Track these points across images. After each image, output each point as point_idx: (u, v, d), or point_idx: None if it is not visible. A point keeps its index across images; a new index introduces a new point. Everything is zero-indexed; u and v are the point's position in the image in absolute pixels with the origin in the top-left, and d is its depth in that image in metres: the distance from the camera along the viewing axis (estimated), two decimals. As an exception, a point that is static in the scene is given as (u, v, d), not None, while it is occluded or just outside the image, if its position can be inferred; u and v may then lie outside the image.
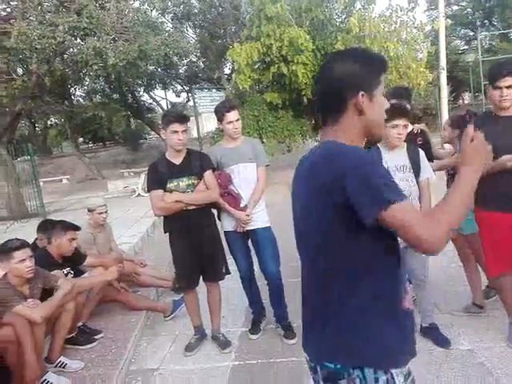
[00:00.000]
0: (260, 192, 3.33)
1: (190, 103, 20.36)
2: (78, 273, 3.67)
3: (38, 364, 2.74)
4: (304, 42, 10.46)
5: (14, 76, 9.49)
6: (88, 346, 3.35)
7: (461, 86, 24.39)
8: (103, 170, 18.03)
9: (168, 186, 3.07)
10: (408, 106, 3.39)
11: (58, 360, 3.06)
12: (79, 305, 3.29)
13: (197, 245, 3.14)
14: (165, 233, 3.24)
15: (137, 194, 11.42)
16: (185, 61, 17.18)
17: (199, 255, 3.16)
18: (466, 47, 27.48)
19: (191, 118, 3.96)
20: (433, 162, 3.33)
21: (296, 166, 1.34)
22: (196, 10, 17.21)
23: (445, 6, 14.92)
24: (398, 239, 1.22)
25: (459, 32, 28.22)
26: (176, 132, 3.04)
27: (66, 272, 3.49)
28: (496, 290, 3.24)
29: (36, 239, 3.84)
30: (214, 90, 14.61)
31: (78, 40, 9.47)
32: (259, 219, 3.32)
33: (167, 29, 13.69)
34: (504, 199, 2.72)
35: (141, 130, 28.38)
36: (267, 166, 3.43)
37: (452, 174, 3.31)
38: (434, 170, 3.33)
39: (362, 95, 1.21)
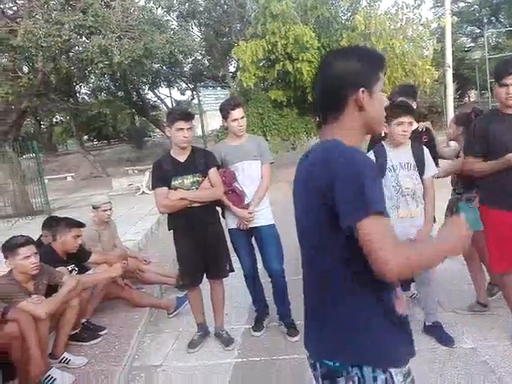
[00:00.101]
0: (264, 189, 3.33)
1: (195, 101, 20.40)
2: (83, 269, 3.68)
3: (43, 360, 2.76)
4: (309, 40, 10.44)
5: (20, 74, 9.53)
6: (92, 342, 3.38)
7: (467, 84, 24.22)
8: (108, 168, 18.09)
9: (173, 183, 3.08)
10: (414, 104, 3.38)
11: (62, 356, 3.08)
12: (83, 301, 3.31)
13: (201, 242, 3.15)
14: (169, 230, 3.25)
15: (141, 191, 11.45)
16: (190, 59, 17.18)
17: (203, 252, 3.17)
18: (472, 44, 27.28)
19: (196, 116, 3.96)
20: (437, 160, 3.32)
21: (296, 166, 1.35)
22: (201, 8, 17.22)
23: (451, 3, 14.81)
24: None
25: (465, 29, 28.01)
26: (181, 129, 3.04)
27: (70, 269, 3.51)
28: (499, 286, 3.22)
29: (41, 236, 3.86)
30: (219, 88, 14.62)
31: (84, 38, 9.50)
32: (263, 217, 3.32)
33: (172, 27, 13.67)
34: (510, 198, 2.70)
35: (145, 128, 28.46)
36: (272, 163, 3.44)
37: (457, 173, 3.29)
38: (441, 176, 3.33)
39: (363, 91, 1.22)
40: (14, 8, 10.57)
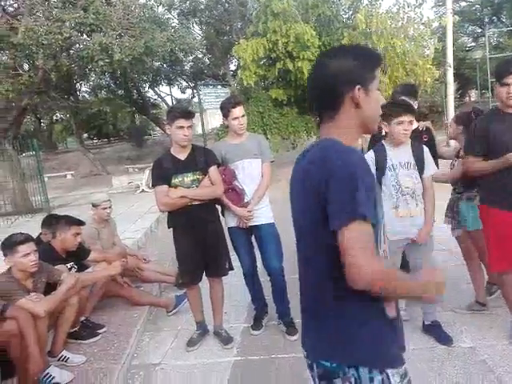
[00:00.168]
0: (264, 188, 3.33)
1: (195, 99, 20.36)
2: (82, 267, 3.68)
3: (41, 358, 2.76)
4: (310, 38, 10.43)
5: (21, 71, 9.52)
6: (90, 340, 3.38)
7: (467, 84, 24.18)
8: (108, 166, 18.08)
9: (173, 181, 3.08)
10: (415, 103, 3.38)
11: (61, 354, 3.08)
12: (82, 299, 3.31)
13: (200, 240, 3.15)
14: (169, 228, 3.25)
15: (141, 189, 11.45)
16: (190, 57, 17.15)
17: (203, 251, 3.17)
18: (473, 44, 27.24)
19: (196, 115, 3.96)
20: (437, 159, 3.32)
21: (293, 165, 1.34)
22: (202, 6, 17.20)
23: (452, 2, 14.78)
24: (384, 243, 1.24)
25: (467, 29, 27.95)
26: (182, 127, 3.04)
27: (69, 266, 3.51)
28: (498, 285, 3.22)
29: (40, 234, 3.86)
30: (219, 87, 14.61)
31: (85, 36, 9.49)
32: (263, 215, 3.32)
33: (173, 25, 13.67)
34: (510, 197, 2.70)
35: (145, 126, 28.43)
36: (272, 162, 3.43)
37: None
38: (446, 182, 3.33)
39: (359, 89, 1.22)
40: (15, 5, 10.57)
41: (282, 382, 2.77)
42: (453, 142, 3.79)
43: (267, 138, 9.60)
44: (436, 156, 3.32)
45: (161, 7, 13.36)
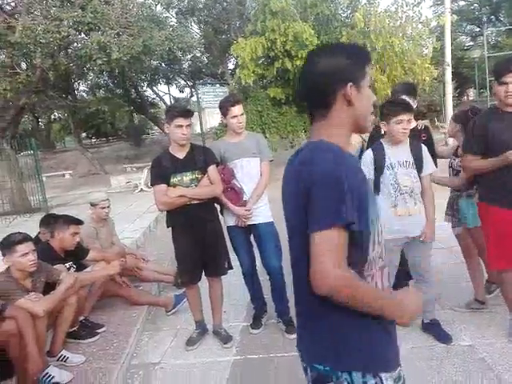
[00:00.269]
0: (263, 186, 3.32)
1: (194, 98, 20.36)
2: (81, 267, 3.68)
3: (40, 357, 2.75)
4: (309, 37, 10.43)
5: (18, 70, 9.48)
6: (90, 339, 3.37)
7: (466, 83, 24.23)
8: (106, 165, 18.06)
9: (172, 180, 3.07)
10: (415, 102, 3.39)
11: (60, 354, 3.07)
12: (81, 299, 3.30)
13: (199, 239, 3.14)
14: (167, 227, 3.24)
15: (139, 189, 11.44)
16: (189, 56, 17.18)
17: (202, 250, 3.16)
18: (471, 43, 27.28)
19: (194, 114, 3.95)
20: (436, 158, 3.32)
21: (286, 165, 1.33)
22: (200, 5, 17.18)
23: (451, 2, 14.80)
24: (373, 246, 1.21)
25: (465, 28, 28.00)
26: (180, 126, 3.03)
27: (68, 266, 3.50)
28: (497, 283, 3.23)
29: (39, 233, 3.85)
30: (218, 86, 14.57)
31: (83, 35, 9.47)
32: (262, 214, 3.31)
33: (171, 24, 13.66)
34: (510, 195, 2.70)
35: (144, 126, 28.42)
36: (271, 161, 3.43)
37: (459, 171, 3.29)
38: (445, 185, 3.34)
39: (351, 86, 1.21)
40: (12, 4, 10.52)
41: (282, 381, 2.77)
42: (451, 141, 3.80)
43: (266, 137, 9.60)
44: (434, 155, 3.33)
45: (159, 6, 13.33)
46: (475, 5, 27.00)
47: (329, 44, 1.35)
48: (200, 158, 3.14)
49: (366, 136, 3.65)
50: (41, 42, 8.27)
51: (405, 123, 2.86)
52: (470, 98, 27.78)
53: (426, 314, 3.09)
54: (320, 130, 1.26)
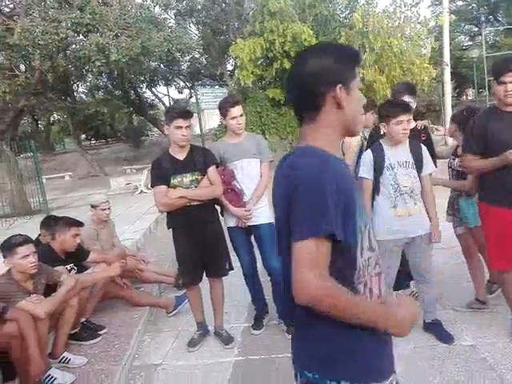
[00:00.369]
0: (263, 187, 3.32)
1: (193, 100, 20.33)
2: (82, 269, 3.67)
3: (42, 359, 2.76)
4: (307, 38, 10.45)
5: (17, 72, 9.47)
6: (91, 341, 3.37)
7: (464, 82, 24.26)
8: (105, 167, 18.06)
9: (172, 181, 3.07)
10: (415, 102, 3.41)
11: (62, 355, 3.07)
12: (83, 300, 3.30)
13: (200, 241, 3.14)
14: (168, 228, 3.24)
15: (139, 190, 11.43)
16: (187, 57, 17.15)
17: (202, 251, 3.17)
18: (470, 43, 27.32)
19: (193, 115, 3.95)
20: (435, 159, 3.33)
21: (276, 168, 1.30)
22: (199, 6, 17.19)
23: (449, 2, 14.82)
24: (363, 248, 1.18)
25: (463, 28, 28.03)
26: (180, 127, 3.03)
27: (69, 268, 3.50)
28: (499, 283, 3.24)
29: (39, 235, 3.85)
30: (217, 87, 14.60)
31: (81, 36, 9.47)
32: (262, 215, 3.31)
33: (170, 25, 13.62)
34: (510, 195, 2.70)
35: (143, 127, 28.42)
36: (271, 161, 3.43)
37: (458, 171, 3.29)
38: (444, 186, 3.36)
39: (340, 88, 1.17)
40: (11, 6, 10.53)
41: (283, 382, 2.76)
42: (450, 141, 3.81)
43: (265, 138, 9.60)
44: (434, 155, 3.33)
45: (157, 7, 13.36)
46: (473, 5, 27.04)
47: (317, 44, 1.27)
48: (200, 159, 3.14)
49: (366, 133, 3.65)
50: (39, 44, 8.27)
51: (405, 124, 2.86)
52: (469, 98, 27.79)
53: (428, 314, 3.09)
54: (308, 133, 1.23)
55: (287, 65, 10.81)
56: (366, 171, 2.98)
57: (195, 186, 3.10)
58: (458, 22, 24.03)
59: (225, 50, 16.42)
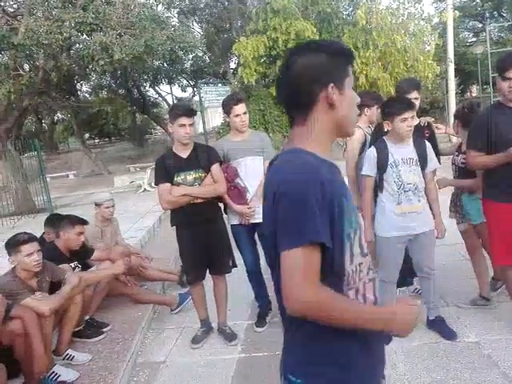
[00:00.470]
0: (267, 185, 3.32)
1: (196, 98, 20.35)
2: (86, 267, 3.69)
3: (47, 356, 2.77)
4: (310, 35, 10.45)
5: (21, 72, 9.51)
6: (95, 338, 3.39)
7: (469, 79, 24.10)
8: (109, 166, 18.11)
9: (175, 179, 3.08)
10: (418, 99, 3.40)
11: (66, 352, 3.09)
12: (87, 298, 3.32)
13: (203, 238, 3.15)
14: (172, 226, 3.25)
15: (143, 188, 11.45)
16: (190, 55, 17.13)
17: (206, 249, 3.17)
18: (474, 39, 27.13)
19: (197, 113, 3.96)
20: (439, 156, 3.32)
21: (265, 174, 1.27)
22: (202, 5, 17.20)
23: (453, -2, 14.76)
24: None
25: (467, 24, 27.84)
26: (183, 125, 3.04)
27: (73, 266, 3.52)
28: (502, 280, 3.23)
29: (43, 233, 3.87)
30: (220, 85, 14.60)
31: (85, 35, 9.47)
32: (265, 213, 3.31)
33: (173, 23, 13.62)
34: None
35: (146, 126, 28.44)
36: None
37: (462, 168, 3.28)
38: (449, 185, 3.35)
39: (332, 88, 1.13)
40: (15, 6, 10.56)
41: (287, 379, 2.77)
42: (455, 139, 3.80)
43: (269, 136, 9.59)
44: (437, 151, 3.32)
45: (160, 6, 13.33)
46: (477, 0, 26.83)
47: (309, 42, 1.19)
48: (203, 157, 3.15)
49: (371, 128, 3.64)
50: (43, 44, 8.29)
51: (409, 121, 2.85)
52: (473, 95, 27.64)
53: (431, 310, 3.09)
54: (298, 135, 1.18)
55: (290, 63, 10.78)
56: (368, 169, 2.97)
57: (199, 184, 3.11)
58: (462, 18, 23.91)
59: (228, 48, 16.39)
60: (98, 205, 4.31)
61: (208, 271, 3.31)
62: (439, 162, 3.19)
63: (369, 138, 3.53)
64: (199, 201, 3.09)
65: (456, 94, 15.00)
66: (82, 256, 3.70)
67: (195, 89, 20.87)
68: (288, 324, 1.20)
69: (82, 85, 19.65)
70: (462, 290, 3.58)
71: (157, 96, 23.56)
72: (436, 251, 3.08)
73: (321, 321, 1.07)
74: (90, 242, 3.96)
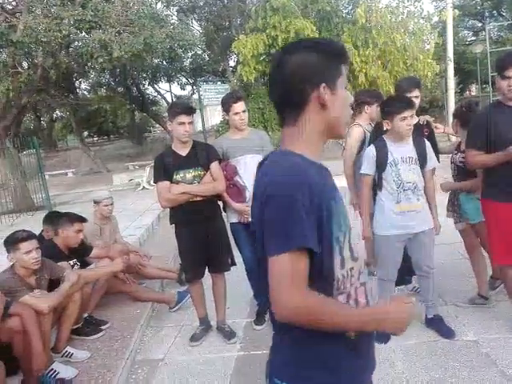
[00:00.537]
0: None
1: (195, 96, 20.32)
2: (84, 264, 3.69)
3: (45, 354, 2.77)
4: (310, 34, 10.43)
5: (20, 69, 9.49)
6: (94, 336, 3.39)
7: (468, 78, 24.11)
8: (108, 164, 18.09)
9: (174, 177, 3.08)
10: (419, 98, 3.41)
11: (65, 350, 3.09)
12: (85, 295, 3.32)
13: (202, 236, 3.15)
14: (171, 224, 3.25)
15: (142, 187, 11.45)
16: (190, 53, 17.08)
17: (205, 246, 3.17)
18: (473, 38, 27.12)
19: (196, 111, 3.95)
20: (438, 155, 3.33)
21: (255, 177, 1.22)
22: (201, 3, 17.17)
23: (452, -3, 14.75)
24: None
25: (467, 23, 27.81)
26: (183, 123, 3.04)
27: (72, 263, 3.52)
28: (501, 279, 3.23)
29: (42, 231, 3.87)
30: (219, 83, 14.56)
31: (83, 33, 9.45)
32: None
33: (172, 21, 13.59)
34: None
35: (145, 124, 28.40)
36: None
37: (460, 167, 3.28)
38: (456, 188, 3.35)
39: (324, 87, 1.10)
40: (14, 3, 10.52)
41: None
42: (454, 138, 3.80)
43: (268, 134, 9.58)
44: (437, 150, 3.32)
45: (159, 4, 13.35)
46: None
47: (301, 40, 1.14)
48: (202, 155, 3.14)
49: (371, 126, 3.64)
50: (42, 41, 8.28)
51: (409, 119, 2.85)
52: (473, 94, 27.65)
53: (429, 309, 3.09)
54: (289, 135, 1.16)
55: (290, 61, 10.78)
56: (367, 167, 2.97)
57: (198, 182, 3.10)
58: (462, 17, 23.88)
59: (227, 47, 16.36)
60: (96, 203, 4.31)
61: (207, 269, 3.31)
62: (438, 160, 3.20)
63: (368, 135, 3.53)
64: (198, 199, 3.09)
65: (455, 92, 15.02)
66: (81, 254, 3.70)
67: (194, 87, 20.84)
68: (277, 328, 1.18)
69: (80, 82, 19.63)
70: (460, 289, 3.59)
71: (156, 94, 23.55)
72: (435, 250, 3.08)
73: (311, 326, 1.05)
74: (89, 239, 3.96)
